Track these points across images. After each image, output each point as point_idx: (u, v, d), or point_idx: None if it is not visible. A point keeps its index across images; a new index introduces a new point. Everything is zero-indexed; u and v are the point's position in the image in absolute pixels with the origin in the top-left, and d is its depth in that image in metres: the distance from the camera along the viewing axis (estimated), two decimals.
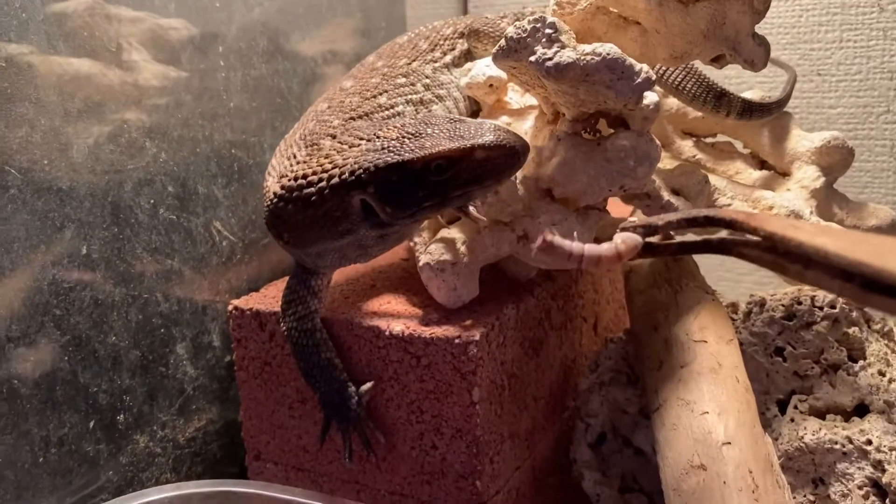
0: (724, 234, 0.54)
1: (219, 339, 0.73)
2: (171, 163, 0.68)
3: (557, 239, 0.43)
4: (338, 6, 0.87)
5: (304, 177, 0.54)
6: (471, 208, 0.61)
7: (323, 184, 0.53)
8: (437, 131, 0.52)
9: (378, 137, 0.53)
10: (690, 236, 0.60)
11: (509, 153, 0.51)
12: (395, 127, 0.53)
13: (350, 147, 0.54)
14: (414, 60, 0.68)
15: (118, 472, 0.65)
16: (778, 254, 0.42)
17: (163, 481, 0.68)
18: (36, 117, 0.57)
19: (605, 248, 0.45)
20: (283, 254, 0.79)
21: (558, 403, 0.73)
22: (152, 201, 0.67)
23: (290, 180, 0.55)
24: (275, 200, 0.56)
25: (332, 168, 0.53)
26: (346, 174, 0.52)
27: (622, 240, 0.47)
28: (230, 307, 0.67)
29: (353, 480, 0.65)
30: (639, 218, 0.53)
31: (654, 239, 0.52)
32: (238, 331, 0.67)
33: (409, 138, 0.52)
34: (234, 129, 0.74)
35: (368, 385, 0.61)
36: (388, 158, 0.51)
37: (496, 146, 0.51)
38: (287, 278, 0.64)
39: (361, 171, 0.52)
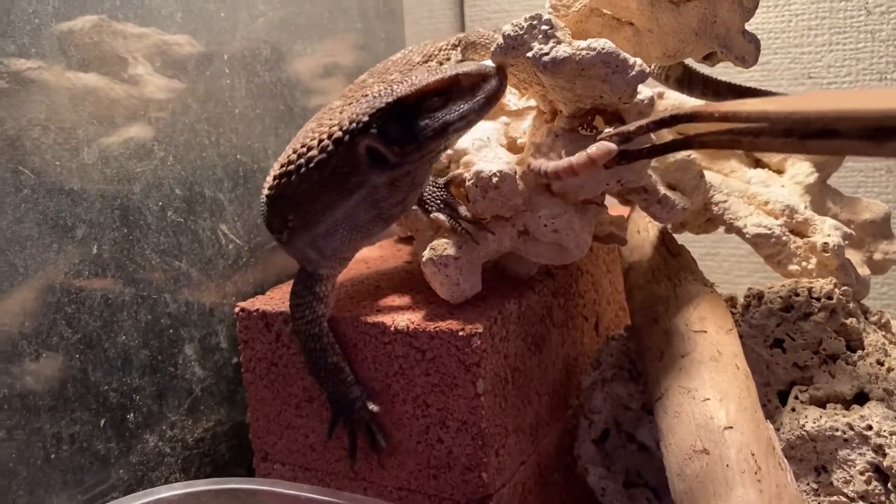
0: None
1: (226, 341, 0.75)
2: (179, 167, 0.70)
3: (534, 162, 0.47)
4: (339, 19, 0.89)
5: (304, 146, 0.56)
6: (462, 209, 0.62)
7: (326, 141, 0.55)
8: (419, 75, 0.56)
9: (367, 95, 0.56)
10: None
11: (489, 74, 0.57)
12: (379, 84, 0.58)
13: (342, 112, 0.56)
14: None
15: (129, 470, 0.65)
16: (734, 133, 0.45)
17: (172, 481, 0.69)
18: (48, 120, 0.59)
19: (576, 156, 0.47)
20: (288, 258, 0.80)
21: (561, 401, 0.74)
22: (160, 204, 0.68)
23: (289, 156, 0.57)
24: (275, 183, 0.58)
25: (332, 127, 0.55)
26: (347, 124, 0.55)
27: (596, 147, 0.48)
28: (237, 309, 0.68)
29: (361, 478, 0.66)
30: (613, 128, 0.55)
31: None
32: (245, 332, 0.68)
33: (396, 84, 0.55)
34: (240, 135, 0.76)
35: (376, 408, 0.63)
36: (385, 99, 0.54)
37: (476, 72, 0.56)
38: (292, 282, 0.65)
39: (362, 115, 0.54)
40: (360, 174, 0.56)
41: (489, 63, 0.58)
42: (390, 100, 0.54)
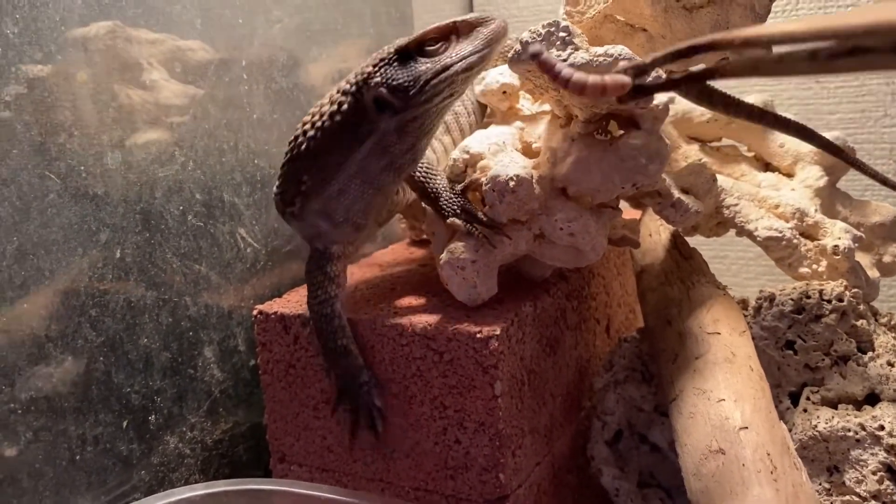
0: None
1: (244, 343, 0.75)
2: (199, 172, 0.71)
3: (547, 54, 0.44)
4: (352, 25, 0.90)
5: (318, 106, 0.60)
6: (480, 214, 0.63)
7: (336, 95, 0.59)
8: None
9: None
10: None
11: (488, 19, 0.58)
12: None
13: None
14: None
15: (150, 471, 0.66)
16: (755, 59, 0.44)
17: (192, 482, 0.70)
18: (73, 125, 0.60)
19: (592, 78, 0.46)
20: (304, 263, 0.81)
21: (575, 403, 0.75)
22: (181, 208, 0.69)
23: (304, 119, 0.60)
24: (291, 146, 0.61)
25: (341, 84, 0.59)
26: (353, 79, 0.58)
27: (611, 77, 0.47)
28: (255, 311, 0.69)
29: (378, 478, 0.67)
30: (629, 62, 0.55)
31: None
32: (263, 334, 0.69)
33: (396, 41, 0.58)
34: (257, 140, 0.77)
35: (379, 403, 0.64)
36: (387, 50, 0.58)
37: (474, 19, 0.58)
38: (305, 285, 0.65)
39: (367, 67, 0.58)
40: (370, 122, 0.58)
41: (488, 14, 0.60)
42: (391, 49, 0.57)
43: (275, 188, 0.63)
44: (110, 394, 0.63)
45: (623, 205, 0.70)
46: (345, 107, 0.58)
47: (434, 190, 0.64)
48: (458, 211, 0.63)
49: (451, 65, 0.57)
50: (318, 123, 0.59)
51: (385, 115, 0.57)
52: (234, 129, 0.74)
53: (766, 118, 0.69)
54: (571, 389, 0.74)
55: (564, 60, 0.56)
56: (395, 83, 0.57)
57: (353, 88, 0.58)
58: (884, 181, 0.71)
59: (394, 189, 0.64)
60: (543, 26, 0.56)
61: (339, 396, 0.65)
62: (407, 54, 0.57)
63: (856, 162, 0.71)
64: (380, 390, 0.64)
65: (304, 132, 0.60)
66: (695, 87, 0.62)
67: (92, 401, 0.61)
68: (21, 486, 0.57)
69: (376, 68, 0.57)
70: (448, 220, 0.63)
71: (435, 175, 0.65)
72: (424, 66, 0.57)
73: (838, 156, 0.71)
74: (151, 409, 0.66)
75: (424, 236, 0.87)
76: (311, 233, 0.64)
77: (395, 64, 0.57)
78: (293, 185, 0.61)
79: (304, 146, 0.60)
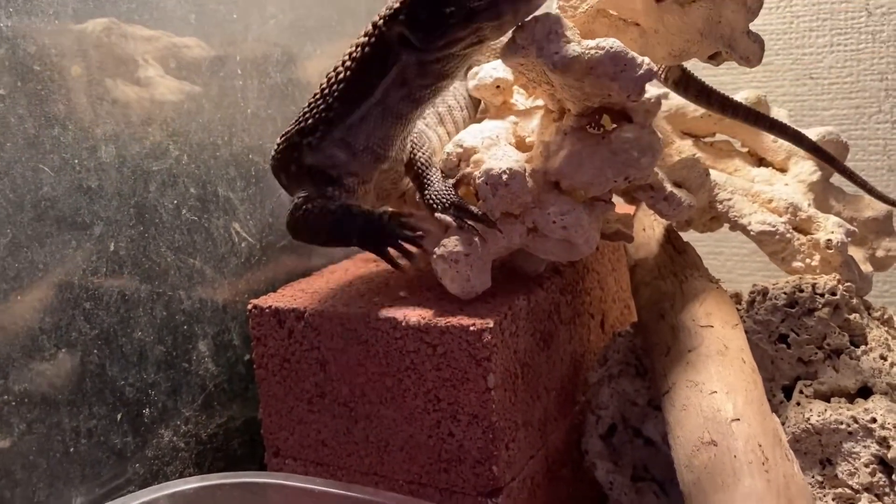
0: None
1: (238, 338, 0.76)
2: (193, 166, 0.71)
3: None
4: (347, 22, 0.90)
5: (352, 45, 0.61)
6: (473, 208, 0.62)
7: (368, 28, 0.60)
8: None
9: None
10: None
11: None
12: None
13: None
14: None
15: (144, 464, 0.66)
16: None
17: (186, 476, 0.70)
18: (67, 119, 0.60)
19: None
20: (299, 258, 0.81)
21: (569, 397, 0.75)
22: (175, 202, 0.69)
23: (341, 59, 0.62)
24: (331, 75, 0.62)
25: (372, 23, 0.60)
26: (383, 12, 0.58)
27: None
28: (249, 305, 0.69)
29: (372, 472, 0.67)
30: None
31: None
32: (257, 329, 0.69)
33: None
34: (252, 135, 0.77)
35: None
36: None
37: None
38: (299, 280, 0.66)
39: (394, 3, 0.57)
40: (395, 55, 0.59)
41: None
42: None
43: (291, 125, 0.64)
44: (104, 387, 0.63)
45: (617, 200, 0.70)
46: (373, 39, 0.59)
47: (427, 181, 0.64)
48: (448, 205, 0.63)
49: (477, 11, 0.55)
50: (354, 54, 0.60)
51: (408, 49, 0.58)
52: (228, 124, 0.75)
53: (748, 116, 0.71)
54: (566, 384, 0.74)
55: (556, 52, 0.56)
56: (419, 23, 0.56)
57: (381, 22, 0.58)
58: (870, 191, 0.72)
59: (413, 119, 0.64)
60: (536, 19, 0.57)
61: (381, 252, 0.64)
62: None
63: (845, 169, 0.72)
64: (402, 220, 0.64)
65: (343, 62, 0.61)
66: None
67: (86, 393, 0.61)
68: (14, 477, 0.57)
69: (403, 5, 0.57)
70: (435, 215, 0.63)
71: (429, 167, 0.65)
72: (450, 9, 0.55)
73: (830, 163, 0.72)
74: (146, 402, 0.67)
75: None
76: (326, 163, 0.63)
77: (422, 3, 0.56)
78: (322, 112, 0.62)
79: (340, 75, 0.61)
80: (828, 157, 0.73)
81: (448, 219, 0.62)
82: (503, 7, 0.55)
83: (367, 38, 0.60)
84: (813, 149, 0.73)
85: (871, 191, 0.75)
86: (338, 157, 0.63)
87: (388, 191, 0.70)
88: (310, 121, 0.63)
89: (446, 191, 0.63)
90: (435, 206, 0.63)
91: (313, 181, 0.64)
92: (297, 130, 0.63)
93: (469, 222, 0.62)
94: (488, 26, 0.56)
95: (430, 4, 0.56)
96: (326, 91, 0.62)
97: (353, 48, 0.61)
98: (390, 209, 0.65)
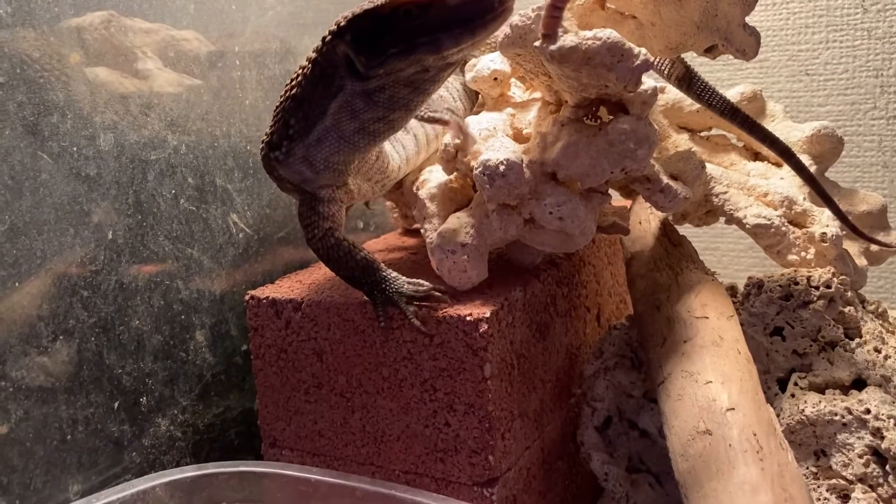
0: None
1: (236, 328, 0.76)
2: (191, 156, 0.71)
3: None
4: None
5: (307, 58, 0.59)
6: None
7: (319, 44, 0.57)
8: None
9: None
10: None
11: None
12: None
13: None
14: None
15: (141, 453, 0.66)
16: None
17: (183, 465, 0.70)
18: (66, 107, 0.60)
19: None
20: (296, 249, 0.81)
21: (565, 389, 0.75)
22: (174, 191, 0.69)
23: (297, 70, 0.59)
24: (285, 90, 0.60)
25: (322, 38, 0.57)
26: (334, 27, 0.56)
27: None
28: (247, 296, 0.69)
29: (369, 462, 0.67)
30: None
31: None
32: (254, 319, 0.69)
33: None
34: (250, 126, 0.77)
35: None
36: (364, 7, 0.54)
37: None
38: (297, 272, 0.66)
39: (342, 20, 0.55)
40: (340, 77, 0.56)
41: None
42: (367, 8, 0.53)
43: (264, 134, 0.63)
44: (101, 375, 0.63)
45: (613, 195, 0.70)
46: (322, 58, 0.57)
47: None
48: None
49: (419, 46, 0.52)
50: (306, 70, 0.58)
51: (352, 77, 0.56)
52: (226, 115, 0.75)
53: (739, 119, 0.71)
54: (561, 376, 0.74)
55: (554, 43, 0.56)
56: (362, 48, 0.54)
57: (329, 38, 0.56)
58: (843, 219, 0.72)
59: (374, 147, 0.63)
60: (534, 10, 0.57)
61: (382, 309, 0.63)
62: (381, 18, 0.53)
63: (823, 193, 0.72)
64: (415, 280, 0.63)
65: (297, 75, 0.59)
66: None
67: (83, 382, 0.62)
68: (11, 464, 0.57)
69: (349, 24, 0.54)
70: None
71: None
72: (393, 39, 0.52)
73: (810, 184, 0.73)
74: (143, 391, 0.67)
75: (416, 226, 0.88)
76: (297, 179, 0.63)
77: (367, 26, 0.53)
78: (282, 127, 0.61)
79: (294, 90, 0.59)
80: (808, 175, 0.74)
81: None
82: (445, 42, 0.52)
83: (315, 55, 0.57)
84: (798, 168, 0.74)
85: (844, 218, 0.74)
86: (305, 173, 0.62)
87: (380, 182, 0.70)
88: (274, 136, 0.62)
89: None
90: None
91: (296, 191, 0.64)
92: (267, 143, 0.62)
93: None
94: (430, 58, 0.53)
95: (371, 31, 0.53)
96: (284, 105, 0.61)
97: (306, 62, 0.59)
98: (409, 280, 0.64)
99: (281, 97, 0.61)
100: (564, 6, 0.46)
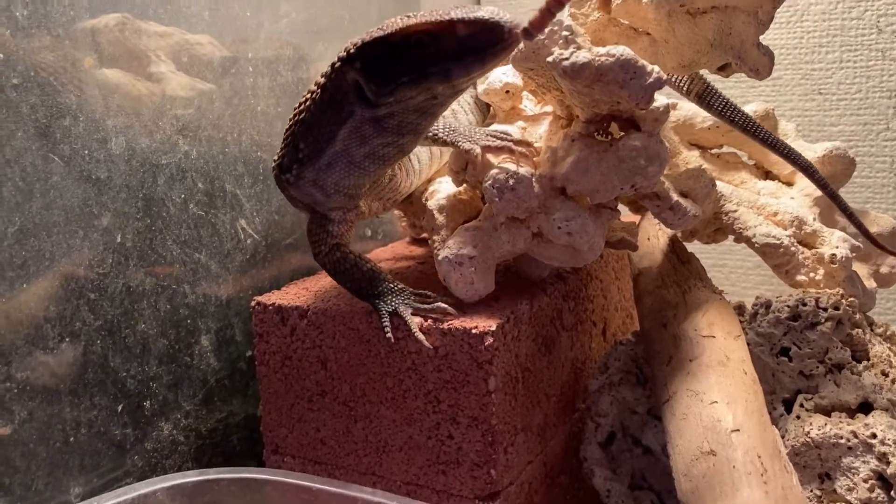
0: None
1: (241, 334, 0.76)
2: (202, 161, 0.71)
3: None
4: (359, 22, 0.91)
5: (316, 81, 0.59)
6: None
7: (328, 69, 0.57)
8: (427, 14, 0.52)
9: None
10: None
11: (492, 29, 0.50)
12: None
13: None
14: None
15: (143, 457, 0.66)
16: None
17: (184, 469, 0.70)
18: (78, 109, 0.60)
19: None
20: (304, 256, 0.81)
21: (569, 404, 0.75)
22: (183, 196, 0.70)
23: (307, 92, 0.60)
24: (294, 112, 0.60)
25: (332, 62, 0.57)
26: (343, 53, 0.55)
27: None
28: (253, 302, 0.69)
29: (370, 472, 0.67)
30: None
31: None
32: (260, 325, 0.69)
33: (397, 21, 0.53)
34: (261, 132, 0.77)
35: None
36: (374, 34, 0.54)
37: (478, 21, 0.50)
38: (303, 279, 0.66)
39: (352, 46, 0.55)
40: (350, 104, 0.56)
41: (500, 14, 0.51)
42: (378, 35, 0.53)
43: (275, 156, 0.63)
44: (106, 378, 0.63)
45: (622, 210, 0.70)
46: (331, 84, 0.57)
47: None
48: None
49: (429, 76, 0.52)
50: (315, 94, 0.58)
51: (361, 104, 0.55)
52: (238, 120, 0.75)
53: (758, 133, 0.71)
54: (566, 390, 0.74)
55: (567, 59, 0.56)
56: (372, 76, 0.54)
57: (338, 64, 0.56)
58: (866, 233, 0.72)
59: (385, 170, 0.63)
60: (533, 11, 0.57)
61: (388, 320, 0.63)
62: (390, 46, 0.53)
63: (836, 198, 0.72)
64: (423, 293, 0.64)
65: (307, 99, 0.59)
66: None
67: (87, 384, 0.62)
68: (14, 464, 0.57)
69: (358, 51, 0.54)
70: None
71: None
72: (402, 67, 0.52)
73: (833, 200, 0.73)
74: (147, 394, 0.67)
75: (424, 235, 0.88)
76: (307, 201, 0.63)
77: (377, 53, 0.53)
78: (292, 151, 0.61)
79: (303, 113, 0.59)
80: (822, 183, 0.74)
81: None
82: (455, 71, 0.52)
83: (325, 80, 0.57)
84: (821, 185, 0.74)
85: (859, 225, 0.74)
86: (315, 196, 0.62)
87: (392, 199, 0.70)
88: (285, 159, 0.62)
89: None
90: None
91: (306, 210, 0.65)
92: (278, 164, 0.62)
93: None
94: (440, 87, 0.53)
95: (382, 58, 0.53)
96: (294, 129, 0.61)
97: (315, 87, 0.59)
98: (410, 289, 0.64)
99: (290, 120, 0.61)
100: (562, 8, 0.45)
